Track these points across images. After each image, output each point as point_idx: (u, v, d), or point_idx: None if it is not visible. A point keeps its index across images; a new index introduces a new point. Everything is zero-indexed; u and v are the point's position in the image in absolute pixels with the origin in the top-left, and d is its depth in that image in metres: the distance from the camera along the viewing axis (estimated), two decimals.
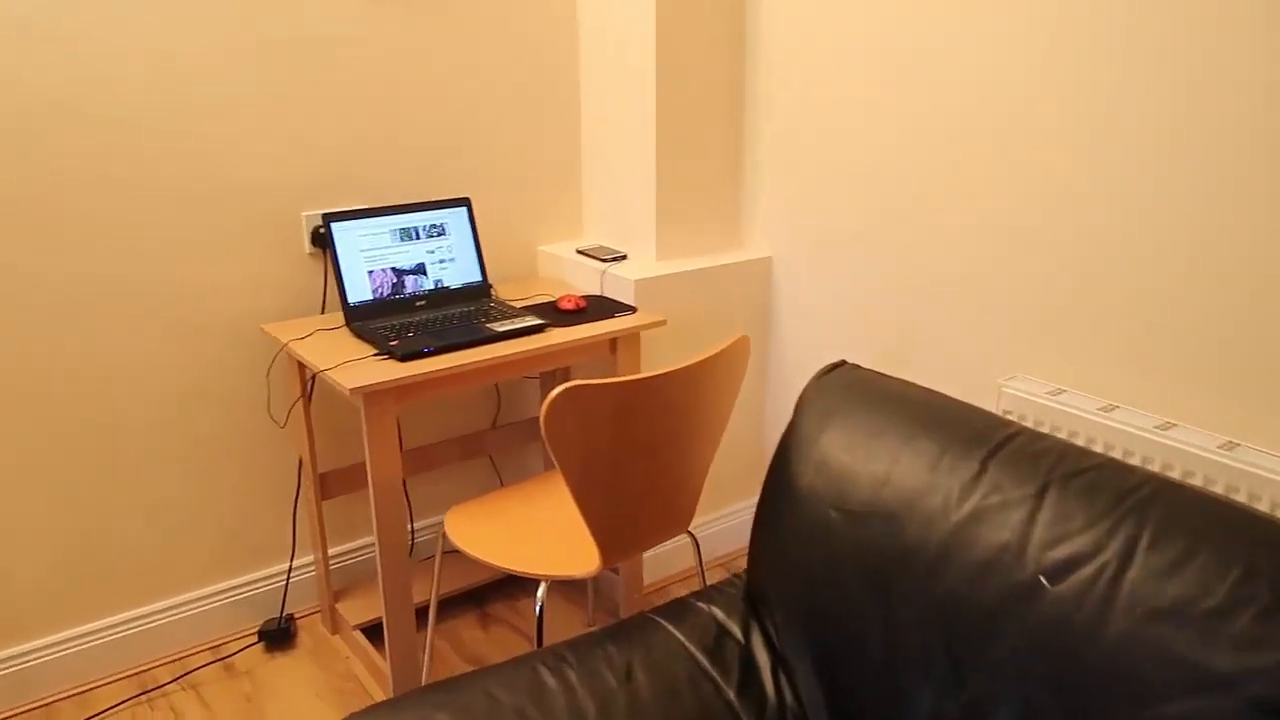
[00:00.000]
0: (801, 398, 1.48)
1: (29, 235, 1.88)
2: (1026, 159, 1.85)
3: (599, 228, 2.57)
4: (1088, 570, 1.07)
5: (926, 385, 2.17)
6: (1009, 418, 1.86)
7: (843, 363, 1.52)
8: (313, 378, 2.17)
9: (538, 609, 1.73)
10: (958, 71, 1.94)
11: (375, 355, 1.92)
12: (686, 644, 1.37)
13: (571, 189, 2.58)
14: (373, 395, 1.81)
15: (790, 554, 1.38)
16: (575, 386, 1.51)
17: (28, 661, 2.05)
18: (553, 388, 2.54)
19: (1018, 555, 1.13)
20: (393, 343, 1.92)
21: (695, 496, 1.83)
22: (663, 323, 2.16)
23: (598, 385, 1.54)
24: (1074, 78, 1.74)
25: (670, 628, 1.40)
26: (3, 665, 2.02)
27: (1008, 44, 1.84)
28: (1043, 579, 1.10)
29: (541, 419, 1.51)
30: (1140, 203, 1.69)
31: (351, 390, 1.76)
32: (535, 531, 1.85)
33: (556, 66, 2.46)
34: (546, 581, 1.73)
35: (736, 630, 1.40)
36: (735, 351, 1.73)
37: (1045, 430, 1.83)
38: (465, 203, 2.24)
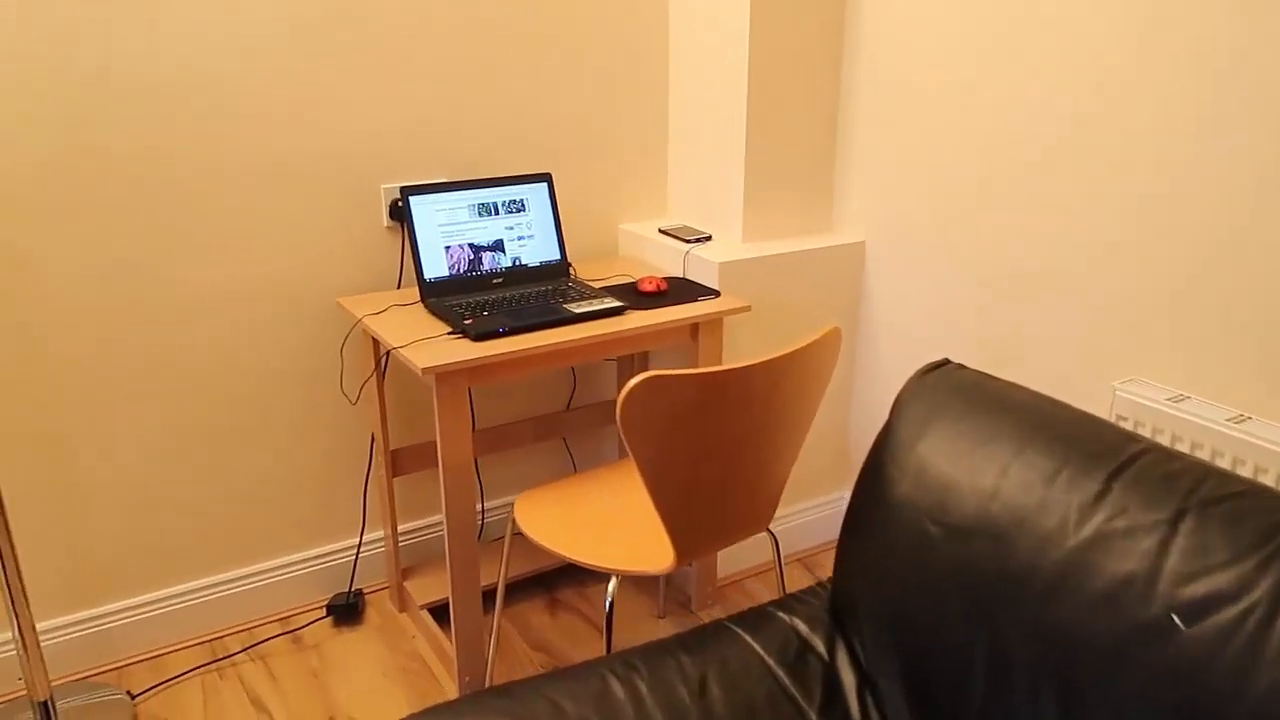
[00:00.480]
0: (899, 398, 1.37)
1: (111, 211, 1.87)
2: (1143, 134, 1.68)
3: (683, 207, 2.47)
4: (1231, 612, 0.94)
5: (1031, 386, 2.02)
6: (1125, 425, 1.71)
7: (945, 362, 1.40)
8: (386, 353, 2.14)
9: (607, 604, 1.66)
10: (1065, 40, 1.78)
11: (449, 334, 1.86)
12: (765, 658, 1.28)
13: (656, 166, 2.48)
14: (445, 375, 1.76)
15: (882, 568, 1.27)
16: (655, 377, 1.43)
17: (105, 624, 2.07)
18: (631, 370, 2.48)
19: (1146, 589, 1.01)
20: (467, 321, 1.87)
21: (777, 495, 1.73)
22: (747, 308, 2.05)
23: (678, 376, 1.45)
24: (1195, 33, 1.57)
25: (748, 639, 1.31)
26: (82, 626, 2.05)
27: (1118, 6, 1.67)
28: (1175, 618, 0.98)
29: (618, 409, 1.43)
30: (1277, 179, 1.52)
31: (423, 370, 1.71)
32: (608, 523, 1.78)
33: (644, 39, 2.36)
34: (618, 577, 1.66)
35: (820, 646, 1.31)
36: (826, 344, 1.62)
37: (1165, 441, 1.67)
38: (546, 178, 2.16)
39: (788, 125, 2.26)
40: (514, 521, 1.83)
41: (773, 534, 1.82)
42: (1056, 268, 1.91)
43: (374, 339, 2.04)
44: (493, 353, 1.77)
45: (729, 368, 1.48)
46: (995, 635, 1.12)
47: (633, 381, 1.42)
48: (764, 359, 1.51)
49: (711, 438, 1.54)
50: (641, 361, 2.43)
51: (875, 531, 1.29)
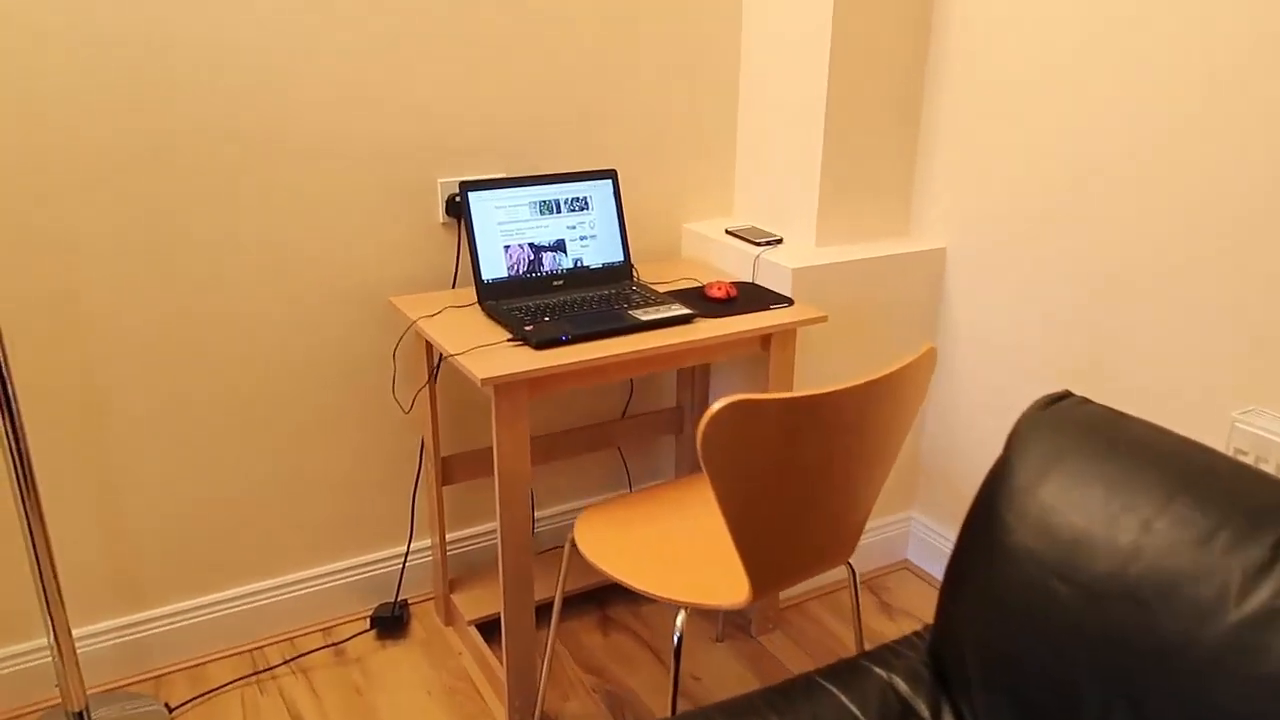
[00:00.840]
0: (1014, 434, 1.23)
1: (160, 196, 1.78)
2: (1261, 131, 1.53)
3: (751, 206, 2.34)
4: None
5: (1130, 412, 1.87)
6: (1244, 461, 1.56)
7: (1067, 394, 1.26)
8: (440, 359, 2.03)
9: (676, 638, 1.54)
10: (1173, 32, 1.62)
11: (509, 340, 1.75)
12: (861, 719, 1.16)
13: (724, 162, 2.35)
14: (505, 387, 1.65)
15: (996, 624, 1.14)
16: (742, 401, 1.30)
17: (143, 631, 1.99)
18: (692, 378, 2.35)
19: None
20: (528, 327, 1.75)
21: (860, 525, 1.60)
22: (824, 318, 1.92)
23: (767, 400, 1.32)
24: None
25: (842, 698, 1.18)
26: (119, 633, 1.97)
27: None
28: None
29: (699, 435, 1.31)
30: None
31: (483, 380, 1.60)
32: (674, 548, 1.66)
33: (715, 31, 2.22)
34: (687, 610, 1.54)
35: (923, 708, 1.18)
36: (921, 366, 1.49)
37: None
38: (611, 175, 2.04)
39: (868, 123, 2.11)
40: (571, 541, 1.72)
41: (851, 566, 1.69)
42: (1161, 280, 1.75)
43: (427, 342, 1.93)
44: (555, 363, 1.66)
45: (821, 391, 1.35)
46: (1137, 699, 0.99)
47: (717, 406, 1.30)
48: (858, 382, 1.38)
49: (797, 465, 1.41)
50: (703, 370, 2.31)
51: (988, 583, 1.16)
